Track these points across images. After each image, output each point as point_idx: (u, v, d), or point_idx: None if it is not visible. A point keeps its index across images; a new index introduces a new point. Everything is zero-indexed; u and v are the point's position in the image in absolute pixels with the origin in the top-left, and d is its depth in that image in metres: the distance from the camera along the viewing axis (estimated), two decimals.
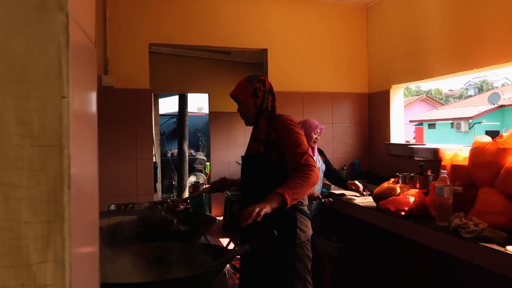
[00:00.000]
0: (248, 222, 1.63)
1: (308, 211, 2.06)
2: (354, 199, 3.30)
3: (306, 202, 2.06)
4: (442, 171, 2.33)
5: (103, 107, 3.22)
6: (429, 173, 2.89)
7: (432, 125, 20.52)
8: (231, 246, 1.66)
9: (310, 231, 2.01)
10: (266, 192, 1.78)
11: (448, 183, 2.27)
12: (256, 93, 1.98)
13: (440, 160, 2.81)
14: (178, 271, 1.58)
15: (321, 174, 3.40)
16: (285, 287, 1.88)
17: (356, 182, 3.55)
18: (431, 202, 2.58)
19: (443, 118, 19.34)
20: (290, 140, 1.89)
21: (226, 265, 1.44)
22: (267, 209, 1.69)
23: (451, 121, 18.72)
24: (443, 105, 24.85)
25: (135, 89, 3.32)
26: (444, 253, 2.24)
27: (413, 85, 20.58)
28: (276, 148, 1.92)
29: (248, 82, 2.00)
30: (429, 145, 3.09)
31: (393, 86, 3.75)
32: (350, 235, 3.53)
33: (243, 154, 2.14)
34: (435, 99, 27.36)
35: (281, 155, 1.91)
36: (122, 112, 3.28)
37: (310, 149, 1.90)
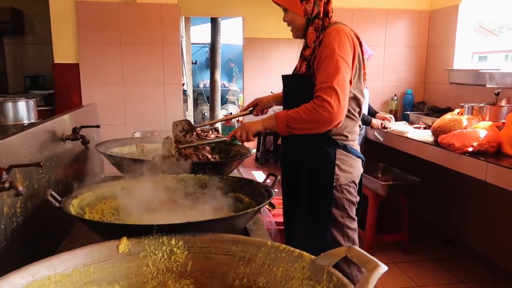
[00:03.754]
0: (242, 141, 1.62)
1: (355, 147, 1.67)
2: (407, 132, 2.90)
3: (354, 136, 1.67)
4: None
5: (126, 24, 2.86)
6: (503, 103, 2.42)
7: (483, 57, 18.88)
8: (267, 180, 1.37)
9: (356, 172, 1.66)
10: None
11: None
12: None
13: None
14: (206, 210, 1.33)
15: (366, 101, 3.00)
16: (320, 232, 1.62)
17: (388, 115, 3.13)
18: (507, 137, 2.16)
19: (496, 50, 17.65)
20: (324, 60, 1.49)
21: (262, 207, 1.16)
22: (256, 127, 1.56)
23: (506, 53, 17.08)
24: (497, 36, 22.68)
25: (160, 3, 2.91)
26: None
27: None
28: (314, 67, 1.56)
29: None
30: (506, 69, 2.58)
31: (464, 0, 3.13)
32: (398, 172, 3.19)
33: (279, 86, 1.82)
34: (488, 30, 24.95)
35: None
36: (147, 31, 2.92)
37: (342, 79, 1.45)
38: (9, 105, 1.86)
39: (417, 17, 3.48)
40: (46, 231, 1.14)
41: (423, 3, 3.47)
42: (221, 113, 8.16)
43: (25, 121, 1.94)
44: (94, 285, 0.82)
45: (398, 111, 3.51)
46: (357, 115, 1.64)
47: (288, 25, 1.65)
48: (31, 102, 1.95)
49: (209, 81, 8.43)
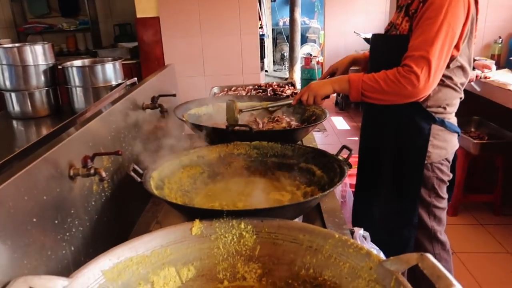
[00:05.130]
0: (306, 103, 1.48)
1: (452, 120, 1.48)
2: (510, 83, 2.54)
3: (453, 108, 1.46)
4: None
5: None
6: None
7: None
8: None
9: (451, 148, 1.49)
10: None
11: None
12: None
13: None
14: (278, 179, 1.34)
15: None
16: (406, 212, 1.52)
17: (488, 61, 2.71)
18: None
19: None
20: (425, 21, 1.27)
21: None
22: (325, 90, 1.43)
23: None
24: None
25: None
26: None
27: None
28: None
29: None
30: None
31: None
32: (495, 127, 2.87)
33: (364, 25, 1.63)
34: None
35: None
36: None
37: (440, 51, 1.25)
38: (99, 68, 2.01)
39: None
40: (132, 197, 1.26)
41: None
42: (300, 54, 7.90)
43: (113, 82, 2.08)
44: (170, 265, 0.89)
45: (502, 56, 3.07)
46: (460, 86, 1.43)
47: None
48: (117, 64, 2.07)
49: (288, 18, 8.09)
